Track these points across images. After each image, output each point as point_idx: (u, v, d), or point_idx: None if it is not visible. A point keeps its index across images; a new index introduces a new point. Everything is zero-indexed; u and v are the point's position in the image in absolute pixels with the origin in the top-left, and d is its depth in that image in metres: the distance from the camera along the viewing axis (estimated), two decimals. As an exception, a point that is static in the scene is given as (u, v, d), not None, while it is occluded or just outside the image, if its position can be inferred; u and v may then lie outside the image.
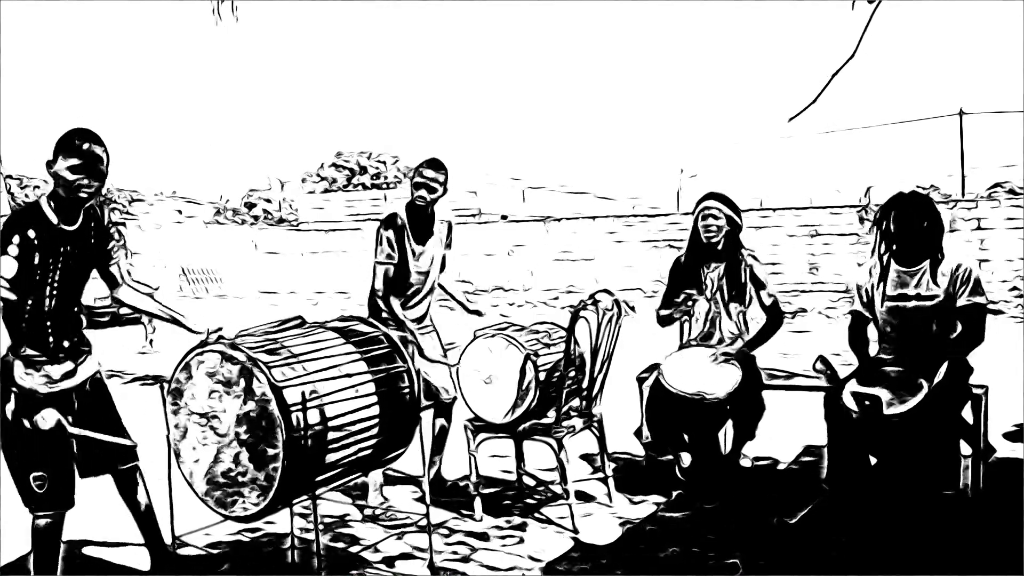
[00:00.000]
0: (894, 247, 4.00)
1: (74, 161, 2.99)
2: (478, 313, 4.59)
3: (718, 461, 4.37)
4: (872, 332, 4.18)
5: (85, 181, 3.02)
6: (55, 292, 3.09)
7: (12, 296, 2.97)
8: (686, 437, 4.36)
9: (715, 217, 4.39)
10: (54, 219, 3.06)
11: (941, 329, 3.94)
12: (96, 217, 3.22)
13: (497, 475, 4.79)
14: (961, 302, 3.86)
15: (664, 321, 4.56)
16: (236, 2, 4.33)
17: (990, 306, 3.95)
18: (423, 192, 4.33)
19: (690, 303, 4.41)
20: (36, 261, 3.00)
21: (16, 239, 2.95)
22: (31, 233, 2.99)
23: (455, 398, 4.45)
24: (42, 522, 3.11)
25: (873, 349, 4.19)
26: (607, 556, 3.68)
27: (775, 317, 4.42)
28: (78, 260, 3.15)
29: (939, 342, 3.95)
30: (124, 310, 3.40)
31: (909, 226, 3.93)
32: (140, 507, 3.38)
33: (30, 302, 3.04)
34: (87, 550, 3.83)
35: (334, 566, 3.60)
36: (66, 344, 3.16)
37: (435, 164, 4.36)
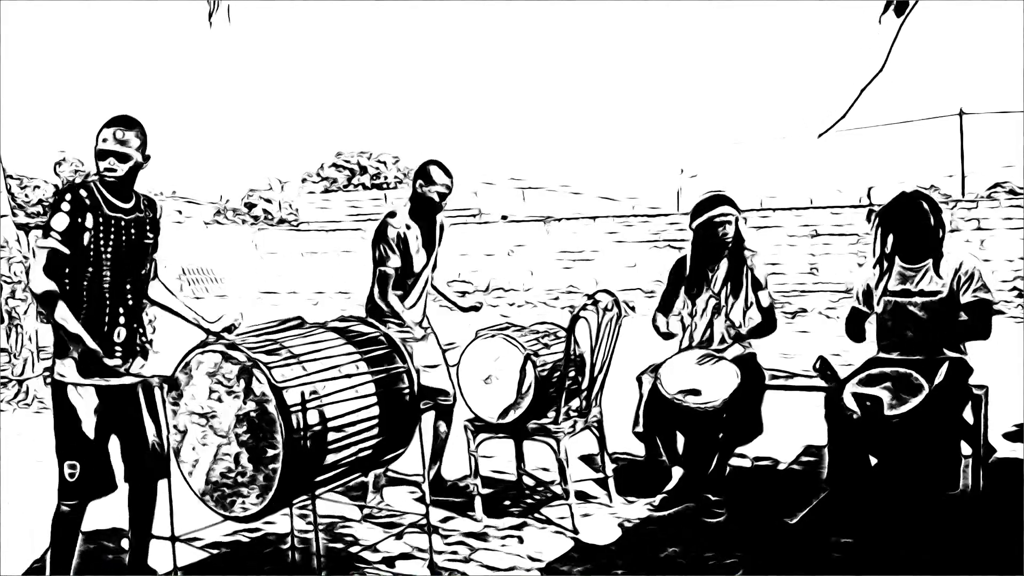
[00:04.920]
0: (896, 245, 4.03)
1: (100, 147, 3.11)
2: (474, 308, 4.58)
3: (711, 471, 4.31)
4: (872, 329, 4.19)
5: (110, 165, 3.11)
6: (110, 264, 3.13)
7: (63, 248, 3.04)
8: (680, 448, 4.36)
9: (730, 223, 4.35)
10: (106, 193, 3.15)
11: (943, 326, 3.95)
12: (147, 208, 3.29)
13: (494, 475, 4.79)
14: (966, 298, 3.89)
15: (659, 332, 4.56)
16: (234, 2, 4.33)
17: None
18: (437, 197, 4.33)
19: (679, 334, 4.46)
20: (90, 224, 3.08)
21: (68, 197, 3.08)
22: (83, 193, 3.09)
23: (454, 401, 4.44)
24: (63, 511, 3.14)
25: (872, 346, 4.19)
26: (607, 556, 3.68)
27: (770, 320, 4.43)
28: (132, 240, 3.20)
29: (941, 339, 3.96)
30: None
31: (911, 225, 3.96)
32: (149, 523, 3.36)
33: (89, 272, 3.09)
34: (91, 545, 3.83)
35: (334, 566, 3.60)
36: (122, 334, 3.17)
37: (445, 168, 4.36)
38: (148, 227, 3.28)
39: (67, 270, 3.07)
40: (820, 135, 3.57)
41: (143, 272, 3.28)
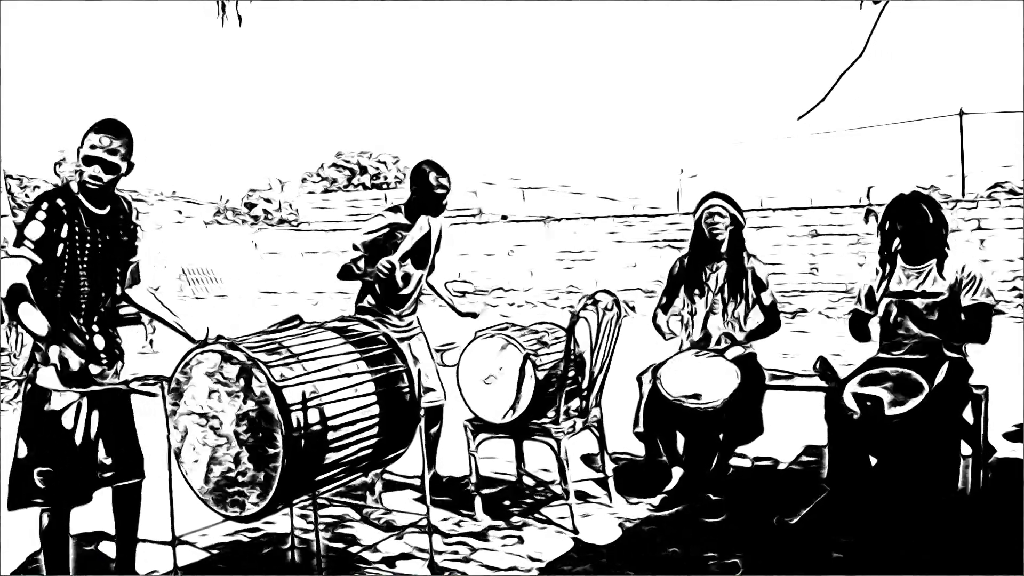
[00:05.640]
0: (899, 246, 4.04)
1: (86, 152, 3.06)
2: (472, 315, 4.53)
3: (712, 472, 4.31)
4: (875, 329, 4.20)
5: (96, 173, 3.06)
6: (86, 274, 3.10)
7: (37, 259, 2.99)
8: (680, 448, 4.37)
9: (720, 215, 4.39)
10: (83, 200, 3.10)
11: (944, 327, 3.96)
12: (124, 209, 3.27)
13: (494, 475, 4.80)
14: (967, 301, 3.89)
15: (659, 331, 4.58)
16: (239, 2, 4.33)
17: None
18: (438, 200, 4.31)
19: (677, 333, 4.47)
20: (65, 234, 3.04)
21: (44, 205, 3.02)
22: (60, 202, 3.04)
23: (441, 404, 4.43)
24: (46, 519, 3.11)
25: (872, 346, 4.20)
26: (607, 556, 3.68)
27: (773, 319, 4.44)
28: (108, 247, 3.17)
29: (942, 339, 3.96)
30: (124, 309, 3.38)
31: (913, 226, 3.97)
32: (134, 525, 3.34)
33: (63, 284, 3.06)
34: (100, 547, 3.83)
35: (334, 566, 3.60)
36: (100, 341, 3.16)
37: (443, 170, 4.32)
38: (122, 230, 3.24)
39: (43, 279, 3.03)
40: (800, 117, 3.57)
41: (117, 278, 3.25)
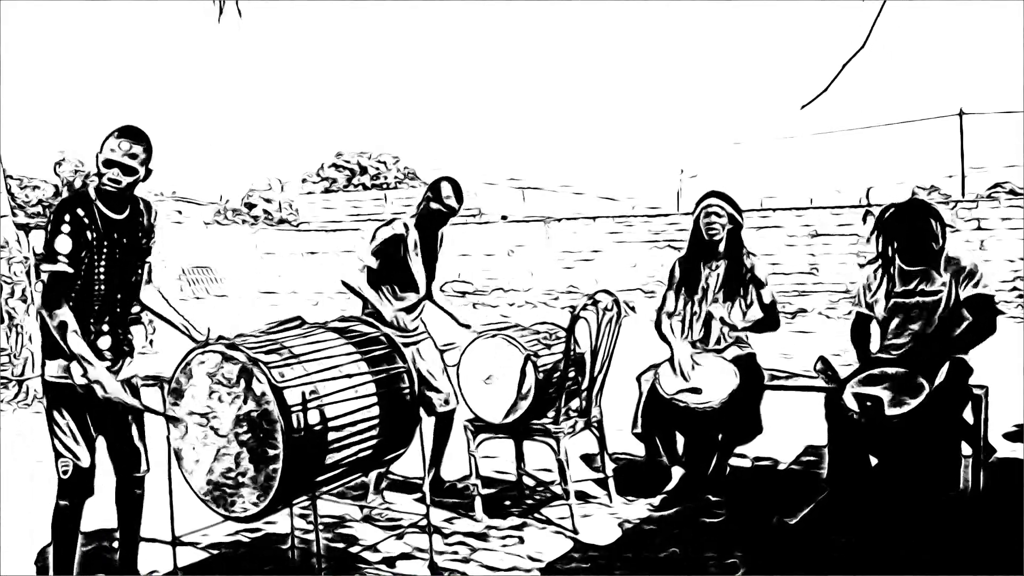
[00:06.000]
0: (896, 251, 4.05)
1: (107, 156, 3.10)
2: (467, 327, 4.57)
3: (711, 472, 4.32)
4: (875, 330, 4.20)
5: (115, 176, 3.10)
6: (103, 278, 3.14)
7: (70, 269, 3.05)
8: (680, 448, 4.37)
9: (717, 215, 4.39)
10: (101, 206, 3.14)
11: (944, 325, 3.96)
12: (143, 212, 3.30)
13: (496, 475, 4.80)
14: (966, 293, 3.89)
15: (666, 340, 4.56)
16: (234, 2, 4.33)
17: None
18: (445, 209, 4.36)
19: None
20: (87, 240, 3.08)
21: (67, 217, 3.07)
22: (80, 211, 3.09)
23: (454, 408, 4.44)
24: (61, 508, 3.15)
25: (875, 348, 4.20)
26: (607, 556, 3.68)
27: (772, 317, 4.43)
28: (125, 251, 3.21)
29: (943, 339, 3.96)
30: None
31: (908, 233, 3.98)
32: (136, 523, 3.36)
33: (79, 285, 3.09)
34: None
35: (334, 566, 3.60)
36: (107, 341, 3.19)
37: (457, 187, 4.37)
38: (141, 233, 3.27)
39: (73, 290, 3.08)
40: (803, 107, 3.59)
41: (133, 280, 3.28)
